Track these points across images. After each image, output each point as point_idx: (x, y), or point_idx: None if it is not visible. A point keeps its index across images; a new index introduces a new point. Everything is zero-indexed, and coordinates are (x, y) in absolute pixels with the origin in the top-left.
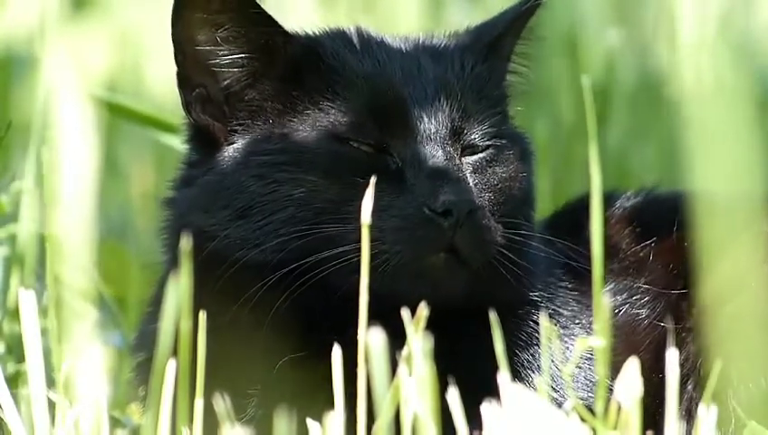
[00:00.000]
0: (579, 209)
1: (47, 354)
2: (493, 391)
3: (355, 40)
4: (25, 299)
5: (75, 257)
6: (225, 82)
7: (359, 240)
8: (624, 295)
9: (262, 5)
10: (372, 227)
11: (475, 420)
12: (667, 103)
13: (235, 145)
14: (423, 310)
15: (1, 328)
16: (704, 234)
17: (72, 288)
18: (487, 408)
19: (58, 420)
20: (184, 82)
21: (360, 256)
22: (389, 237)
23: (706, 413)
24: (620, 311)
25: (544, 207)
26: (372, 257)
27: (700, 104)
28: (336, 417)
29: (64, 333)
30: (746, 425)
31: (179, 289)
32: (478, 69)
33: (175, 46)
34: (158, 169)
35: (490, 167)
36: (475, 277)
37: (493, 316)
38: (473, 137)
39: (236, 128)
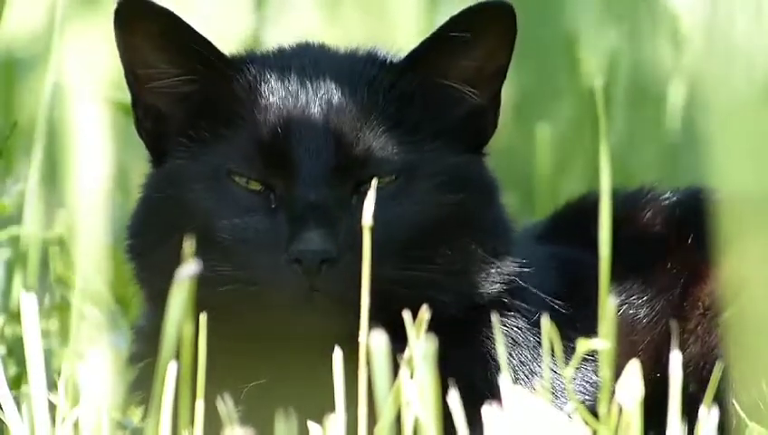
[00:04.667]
0: (581, 210)
1: (49, 357)
2: (493, 394)
3: (273, 64)
4: (27, 301)
5: (84, 260)
6: (159, 107)
7: (238, 281)
8: (623, 296)
9: (192, 25)
10: (249, 266)
11: (476, 422)
12: (666, 103)
13: (155, 171)
14: (425, 313)
15: (3, 330)
16: (722, 234)
17: (77, 290)
18: (488, 410)
19: (58, 422)
20: (133, 99)
21: (240, 296)
22: (259, 279)
23: (708, 415)
24: (619, 311)
25: (545, 208)
26: (252, 295)
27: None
28: (337, 420)
29: (67, 336)
30: (748, 427)
31: (182, 293)
32: (398, 92)
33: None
34: None
35: (395, 199)
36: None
37: (494, 319)
38: (374, 169)
39: (164, 154)
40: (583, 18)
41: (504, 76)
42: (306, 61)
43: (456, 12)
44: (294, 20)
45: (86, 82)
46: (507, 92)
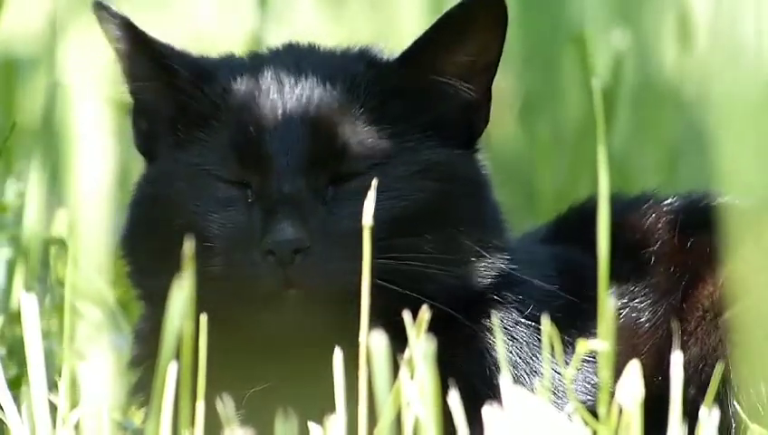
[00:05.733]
0: (585, 214)
1: (50, 357)
2: (492, 392)
3: (250, 65)
4: (27, 302)
5: (85, 260)
6: (149, 106)
7: (218, 277)
8: (625, 299)
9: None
10: (227, 262)
11: (476, 422)
12: (672, 105)
13: (144, 171)
14: (425, 313)
15: (3, 331)
16: (726, 236)
17: (78, 291)
18: (488, 410)
19: (59, 423)
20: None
21: (221, 292)
22: (236, 274)
23: (708, 416)
24: (621, 314)
25: (549, 210)
26: (231, 291)
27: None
28: (337, 420)
29: (68, 336)
30: (749, 428)
31: (182, 292)
32: (386, 88)
33: None
34: None
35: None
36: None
37: (495, 320)
38: (351, 162)
39: (155, 155)
40: (589, 18)
41: (495, 71)
42: (287, 60)
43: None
44: (298, 19)
45: (86, 82)
46: (513, 93)
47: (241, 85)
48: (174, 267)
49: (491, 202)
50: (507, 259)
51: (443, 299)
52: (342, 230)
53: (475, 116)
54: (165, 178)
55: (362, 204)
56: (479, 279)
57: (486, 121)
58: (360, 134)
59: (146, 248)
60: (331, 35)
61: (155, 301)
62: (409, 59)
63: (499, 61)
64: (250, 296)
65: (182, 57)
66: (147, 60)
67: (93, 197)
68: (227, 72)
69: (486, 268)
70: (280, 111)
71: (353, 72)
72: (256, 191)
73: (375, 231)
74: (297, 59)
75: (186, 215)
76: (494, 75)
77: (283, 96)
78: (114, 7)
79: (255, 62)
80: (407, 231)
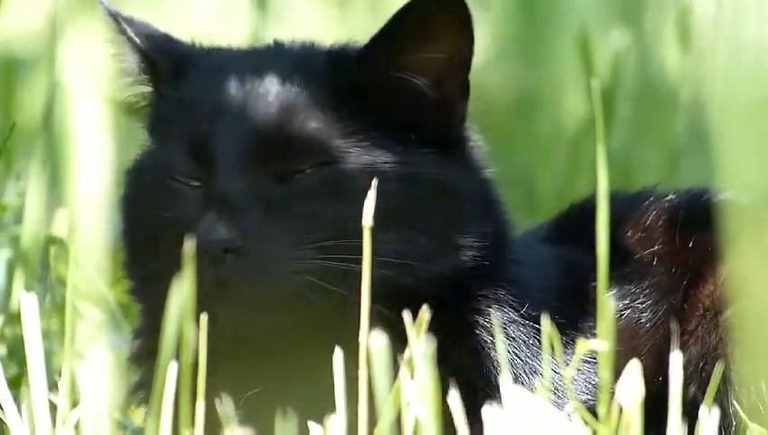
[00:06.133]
0: (586, 212)
1: (50, 357)
2: (494, 394)
3: (211, 64)
4: (27, 302)
5: (85, 261)
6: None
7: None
8: (626, 300)
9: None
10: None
11: (476, 422)
12: (672, 105)
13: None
14: (425, 313)
15: (3, 331)
16: (727, 234)
17: (77, 291)
18: (488, 410)
19: (59, 423)
20: None
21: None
22: (177, 273)
23: (708, 415)
24: (622, 315)
25: (549, 209)
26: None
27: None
28: (337, 420)
29: (68, 336)
30: (749, 428)
31: (182, 293)
32: (346, 86)
33: None
34: None
35: (317, 189)
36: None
37: (496, 320)
38: (295, 159)
39: None
40: (590, 17)
41: (466, 69)
42: (256, 56)
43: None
44: (298, 19)
45: (85, 82)
46: (515, 92)
47: (205, 81)
48: (149, 265)
49: (468, 201)
50: (489, 257)
51: (387, 302)
52: (282, 229)
53: (445, 115)
54: (137, 176)
55: (307, 203)
56: (435, 280)
57: (461, 122)
58: (310, 132)
59: (128, 243)
60: (331, 35)
61: (136, 298)
62: (368, 55)
63: (470, 59)
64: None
65: (162, 50)
66: (132, 57)
67: (92, 196)
68: (198, 67)
69: (445, 269)
70: (230, 108)
71: (315, 69)
72: (203, 189)
73: (321, 231)
74: (264, 55)
75: (149, 213)
76: (466, 74)
77: (239, 93)
78: (108, 3)
79: (225, 58)
80: (352, 232)
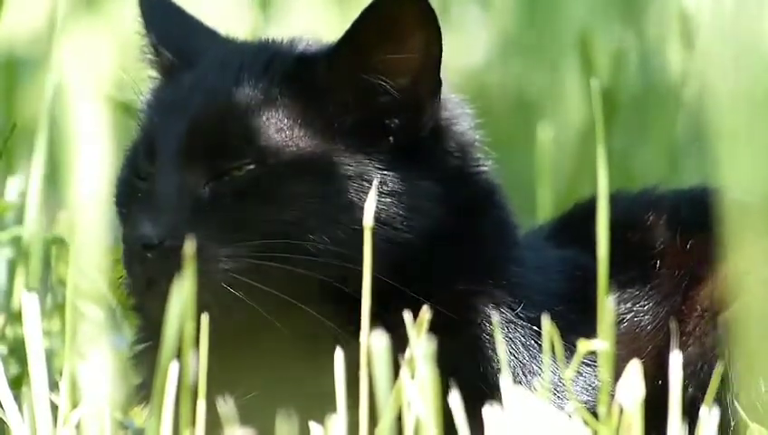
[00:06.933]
0: (589, 212)
1: (51, 357)
2: (494, 394)
3: (181, 63)
4: (28, 302)
5: (86, 261)
6: None
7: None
8: (628, 304)
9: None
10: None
11: (476, 423)
12: (673, 105)
13: None
14: (426, 313)
15: (4, 330)
16: (729, 235)
17: (78, 291)
18: (489, 410)
19: (60, 423)
20: None
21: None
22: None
23: (708, 416)
24: (624, 319)
25: (550, 211)
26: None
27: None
28: (338, 420)
29: (69, 336)
30: (749, 427)
31: (183, 292)
32: (303, 83)
33: None
34: None
35: (251, 188)
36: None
37: (495, 320)
38: (228, 159)
39: None
40: (592, 18)
41: (435, 68)
42: (225, 53)
43: (474, 11)
44: (299, 20)
45: (85, 82)
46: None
47: (172, 77)
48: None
49: (432, 204)
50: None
51: (316, 306)
52: (210, 228)
53: (414, 117)
54: (117, 176)
55: (237, 202)
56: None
57: (431, 123)
58: (249, 131)
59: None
60: (332, 36)
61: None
62: (335, 56)
63: (439, 57)
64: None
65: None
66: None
67: (93, 197)
68: (189, 62)
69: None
70: (178, 105)
71: (284, 68)
72: (147, 186)
73: (249, 231)
74: (243, 51)
75: (119, 211)
76: (436, 73)
77: (192, 89)
78: None
79: (212, 54)
80: (280, 233)
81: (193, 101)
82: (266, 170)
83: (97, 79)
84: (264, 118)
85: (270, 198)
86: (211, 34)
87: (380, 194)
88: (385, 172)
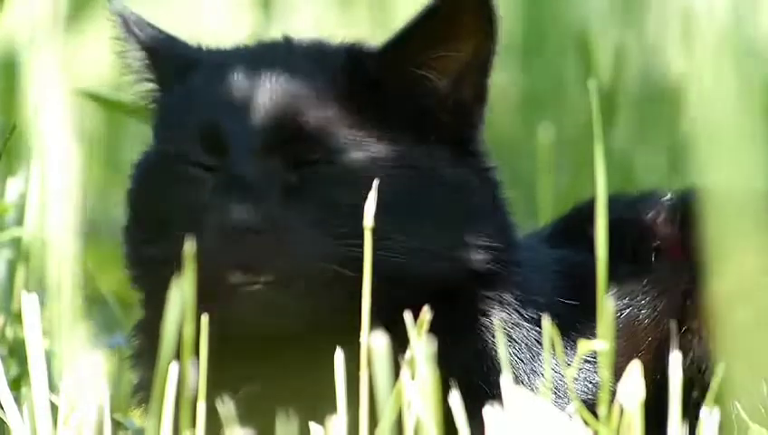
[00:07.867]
0: (589, 213)
1: (51, 357)
2: (495, 395)
3: (229, 55)
4: (28, 302)
5: (61, 258)
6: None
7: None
8: (626, 299)
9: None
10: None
11: (477, 423)
12: (673, 105)
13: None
14: (426, 313)
15: (4, 331)
16: (713, 233)
17: (74, 290)
18: (489, 411)
19: (60, 423)
20: None
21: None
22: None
23: (709, 416)
24: (622, 313)
25: (551, 211)
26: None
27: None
28: (338, 421)
29: (66, 336)
30: (749, 428)
31: (182, 293)
32: (359, 78)
33: None
34: None
35: (331, 180)
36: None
37: (496, 320)
38: (309, 148)
39: None
40: (592, 18)
41: (487, 70)
42: (267, 51)
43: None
44: (301, 20)
45: (59, 78)
46: (516, 92)
47: (214, 75)
48: (152, 250)
49: (478, 202)
50: (494, 259)
51: (391, 300)
52: (302, 215)
53: (460, 116)
54: (145, 167)
55: (323, 191)
56: (455, 274)
57: (479, 123)
58: (322, 122)
59: (133, 234)
60: (333, 36)
61: (141, 283)
62: (390, 50)
63: (491, 60)
64: (201, 283)
65: (168, 48)
66: (136, 54)
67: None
68: (206, 62)
69: (459, 268)
70: (242, 98)
71: (332, 63)
72: (215, 176)
73: (339, 219)
74: (273, 49)
75: (158, 201)
76: (487, 75)
77: (250, 83)
78: (115, 2)
79: (236, 54)
80: (359, 223)
81: (257, 95)
82: (343, 161)
83: (96, 79)
84: (331, 110)
85: (352, 188)
86: (191, 45)
87: (443, 190)
88: (445, 169)
